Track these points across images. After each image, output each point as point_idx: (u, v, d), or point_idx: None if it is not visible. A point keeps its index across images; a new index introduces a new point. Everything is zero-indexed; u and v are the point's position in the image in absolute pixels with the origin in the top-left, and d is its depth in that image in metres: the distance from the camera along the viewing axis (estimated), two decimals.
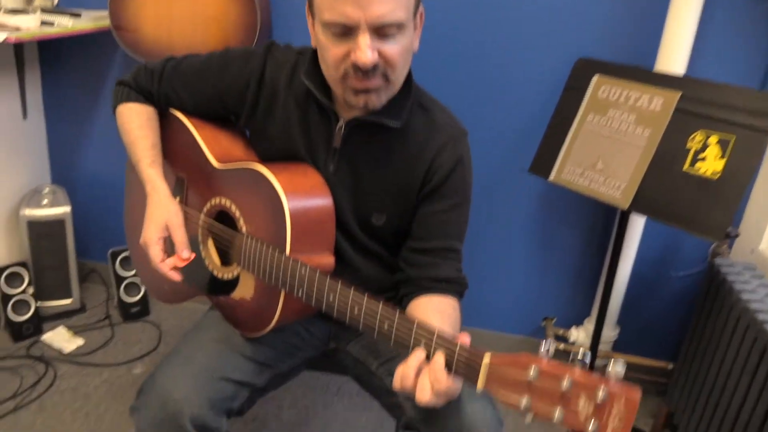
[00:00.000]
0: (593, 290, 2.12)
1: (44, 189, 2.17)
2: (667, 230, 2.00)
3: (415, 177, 1.13)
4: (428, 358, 0.87)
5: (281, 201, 1.04)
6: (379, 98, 1.03)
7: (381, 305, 0.92)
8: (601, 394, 0.73)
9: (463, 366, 0.84)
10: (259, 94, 1.17)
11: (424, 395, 0.84)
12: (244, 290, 1.14)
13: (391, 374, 1.17)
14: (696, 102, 1.49)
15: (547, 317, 2.20)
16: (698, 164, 1.47)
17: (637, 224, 1.93)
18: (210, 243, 1.21)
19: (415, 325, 0.88)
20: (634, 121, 1.59)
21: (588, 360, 0.79)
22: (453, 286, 1.15)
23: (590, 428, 0.74)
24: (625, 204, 1.55)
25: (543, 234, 2.11)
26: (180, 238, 1.13)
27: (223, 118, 1.26)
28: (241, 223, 1.12)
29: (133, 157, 1.22)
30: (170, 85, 1.24)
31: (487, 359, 0.82)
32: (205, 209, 1.20)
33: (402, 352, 0.91)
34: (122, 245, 2.24)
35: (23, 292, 2.08)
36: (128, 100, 1.25)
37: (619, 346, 2.14)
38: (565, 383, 0.76)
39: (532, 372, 0.78)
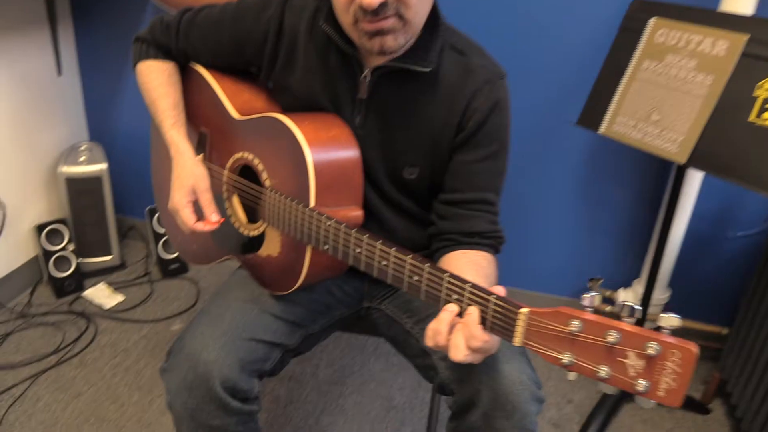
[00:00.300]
0: (644, 250, 2.01)
1: (81, 146, 2.17)
2: (727, 187, 1.86)
3: (449, 125, 1.06)
4: (461, 312, 0.81)
5: (303, 152, 0.98)
6: (395, 40, 0.95)
7: (410, 257, 0.86)
8: (652, 348, 0.65)
9: (499, 320, 0.78)
10: (278, 44, 1.10)
11: (459, 352, 0.78)
12: (271, 247, 1.09)
13: None
14: (765, 45, 1.35)
15: (594, 278, 2.10)
16: (766, 114, 1.34)
17: (694, 180, 1.80)
18: (235, 200, 1.17)
19: (445, 277, 0.82)
20: (695, 68, 1.45)
21: (638, 309, 0.71)
22: (488, 240, 1.08)
23: (640, 387, 0.67)
24: (682, 158, 1.43)
25: (590, 190, 2.00)
26: (207, 202, 1.09)
27: (244, 70, 1.20)
28: (265, 177, 1.07)
29: (156, 118, 1.18)
30: (187, 39, 1.18)
31: (524, 312, 0.75)
32: (228, 165, 1.15)
33: (435, 307, 0.85)
34: None
35: (64, 248, 2.10)
36: (147, 57, 1.21)
37: (669, 310, 2.02)
38: (612, 337, 0.69)
39: (574, 325, 0.71)
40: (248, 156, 1.10)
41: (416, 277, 0.85)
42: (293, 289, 1.07)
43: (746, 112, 1.35)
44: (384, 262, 0.89)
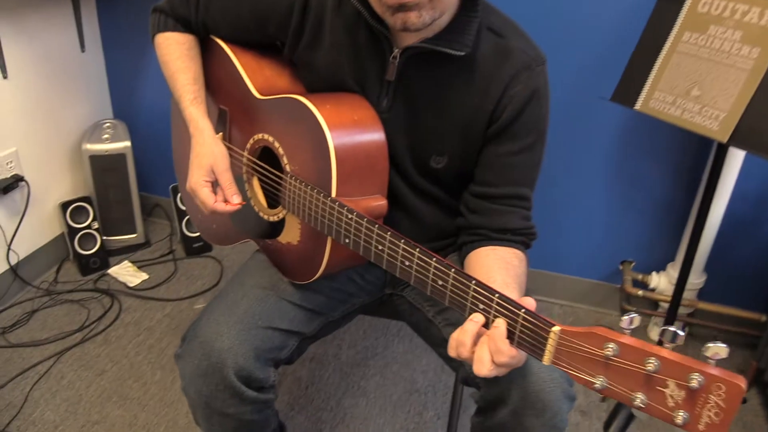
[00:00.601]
0: (679, 232, 1.93)
1: (105, 123, 2.16)
2: None
3: (482, 113, 0.99)
4: (487, 323, 0.77)
5: (325, 136, 0.93)
6: (420, 17, 0.88)
7: (434, 260, 0.81)
8: (695, 380, 0.61)
9: (527, 336, 0.73)
10: (303, 19, 1.05)
11: (483, 367, 0.74)
12: (291, 235, 1.06)
13: (450, 324, 1.09)
14: None
15: (626, 260, 2.04)
16: None
17: (735, 159, 1.71)
18: (255, 183, 1.13)
19: (472, 285, 0.77)
20: (740, 39, 1.36)
21: (682, 335, 0.66)
22: (520, 237, 1.03)
23: (678, 420, 0.62)
24: (723, 137, 1.35)
25: (624, 169, 1.92)
26: (227, 183, 1.05)
27: (267, 45, 1.15)
28: (285, 161, 1.02)
29: (175, 93, 1.14)
30: (207, 12, 1.13)
31: (556, 331, 0.70)
32: (248, 146, 1.11)
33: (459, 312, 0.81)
34: None
35: (88, 226, 2.10)
36: (166, 29, 1.16)
37: (704, 295, 1.95)
38: (652, 365, 0.64)
39: (610, 349, 0.66)
40: (268, 138, 1.06)
41: (441, 282, 0.81)
42: (313, 279, 1.03)
43: None
44: (407, 263, 0.85)
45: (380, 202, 1.00)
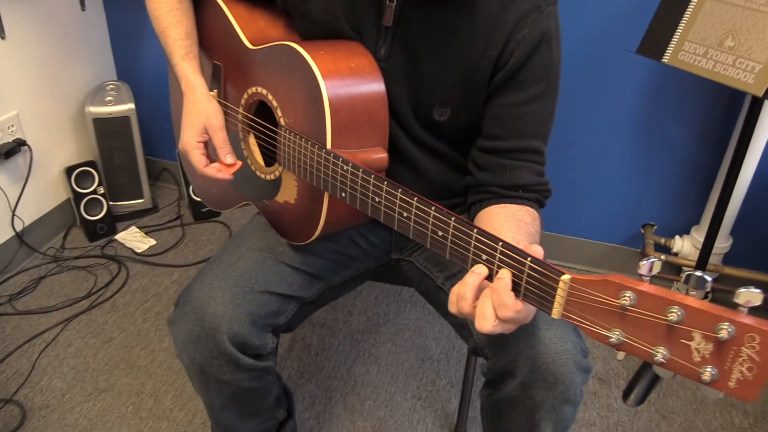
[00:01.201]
0: (705, 195, 1.83)
1: (108, 86, 2.10)
2: None
3: (487, 60, 0.91)
4: (491, 276, 0.70)
5: (319, 85, 0.86)
6: None
7: (434, 208, 0.74)
8: (725, 330, 0.53)
9: (534, 287, 0.66)
10: None
11: (486, 322, 0.67)
12: (287, 193, 0.99)
13: None
14: None
15: (647, 224, 1.95)
16: None
17: (766, 118, 1.60)
18: (252, 140, 1.07)
19: (474, 234, 0.70)
20: None
21: (709, 281, 0.58)
22: (532, 194, 0.95)
23: (706, 376, 0.56)
24: (760, 90, 1.25)
25: (647, 128, 1.82)
26: (221, 142, 0.98)
27: None
28: (279, 115, 0.96)
29: (166, 49, 1.07)
30: None
31: (566, 279, 0.63)
32: (242, 101, 1.04)
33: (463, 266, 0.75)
34: None
35: (94, 191, 2.06)
36: None
37: (730, 260, 1.86)
38: (674, 314, 0.57)
39: (627, 297, 0.59)
40: (262, 91, 0.99)
41: (440, 233, 0.74)
42: (311, 239, 0.97)
43: None
44: (405, 214, 0.78)
45: (380, 155, 0.93)
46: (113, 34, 2.20)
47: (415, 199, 0.76)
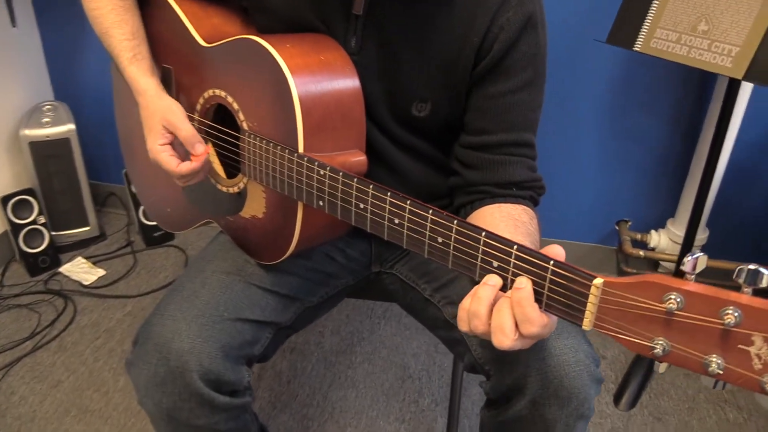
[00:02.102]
0: (679, 186, 1.80)
1: (45, 106, 1.94)
2: None
3: (469, 47, 0.83)
4: (505, 286, 0.61)
5: (287, 81, 0.76)
6: None
7: (431, 212, 0.65)
8: None
9: (560, 295, 0.57)
10: None
11: (506, 339, 0.58)
12: (254, 206, 0.88)
13: (452, 302, 0.93)
14: None
15: (621, 220, 1.90)
16: None
17: (737, 107, 1.58)
18: (210, 150, 0.95)
19: (482, 238, 0.61)
20: None
21: (766, 274, 0.50)
22: (526, 191, 0.88)
23: None
24: (739, 72, 1.21)
25: (617, 122, 1.77)
26: (185, 133, 0.86)
27: None
28: (241, 118, 0.85)
29: (111, 52, 0.95)
30: None
31: (598, 284, 0.55)
32: (198, 107, 0.93)
33: (467, 277, 0.65)
34: None
35: (34, 221, 1.89)
36: None
37: (707, 251, 1.81)
38: (730, 316, 0.49)
39: (673, 300, 0.51)
40: (220, 93, 0.88)
41: (441, 239, 0.65)
42: (284, 257, 0.86)
43: None
44: (396, 220, 0.68)
45: (358, 158, 0.83)
46: (48, 51, 2.04)
47: (408, 202, 0.66)
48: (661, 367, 0.56)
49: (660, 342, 0.53)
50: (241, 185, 0.89)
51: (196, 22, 0.92)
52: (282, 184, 0.80)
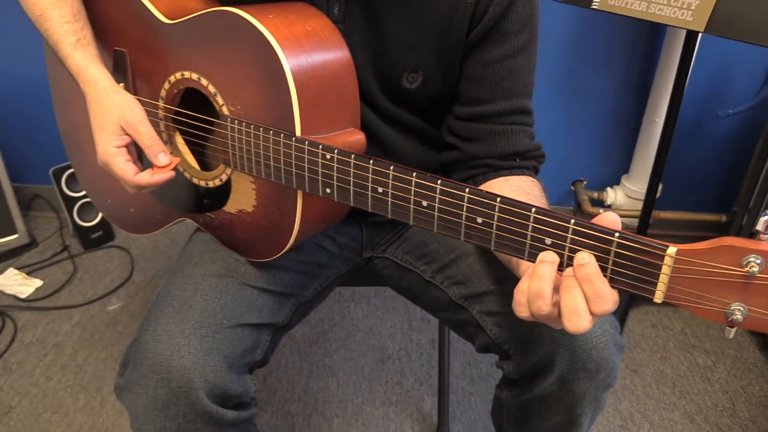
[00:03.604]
0: (631, 142, 1.83)
1: None
2: (714, 65, 1.69)
3: (462, 11, 0.77)
4: (561, 264, 0.56)
5: (277, 56, 0.67)
6: None
7: (467, 190, 0.59)
8: None
9: (628, 268, 0.53)
10: None
11: (582, 320, 0.54)
12: (242, 200, 0.80)
13: (457, 282, 0.88)
14: None
15: (577, 180, 1.92)
16: None
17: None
18: (179, 140, 0.85)
19: (532, 214, 0.56)
20: None
21: None
22: (529, 161, 0.84)
23: None
24: (701, 25, 1.20)
25: (567, 83, 1.77)
26: (148, 138, 0.76)
27: None
28: (220, 102, 0.76)
29: (49, 39, 0.82)
30: None
31: (672, 253, 0.51)
32: (162, 93, 0.82)
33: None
34: (66, 160, 1.84)
35: None
36: None
37: (661, 204, 1.88)
38: None
39: (754, 263, 0.48)
40: (191, 75, 0.78)
41: (481, 219, 0.59)
42: (281, 253, 0.79)
43: None
44: (425, 203, 0.62)
45: (357, 137, 0.76)
46: None
47: (439, 182, 0.60)
48: (732, 333, 0.53)
49: (737, 307, 0.50)
50: (224, 177, 0.80)
51: None
52: (278, 172, 0.72)
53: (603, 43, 1.69)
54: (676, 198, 1.88)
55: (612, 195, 1.87)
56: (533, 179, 0.82)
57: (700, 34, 1.25)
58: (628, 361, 1.56)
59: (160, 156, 0.76)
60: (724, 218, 1.83)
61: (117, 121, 0.76)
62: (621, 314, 1.63)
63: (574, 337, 0.75)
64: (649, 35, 1.68)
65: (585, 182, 1.91)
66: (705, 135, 1.81)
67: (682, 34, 1.48)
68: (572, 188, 1.92)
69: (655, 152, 1.50)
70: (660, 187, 1.82)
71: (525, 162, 0.83)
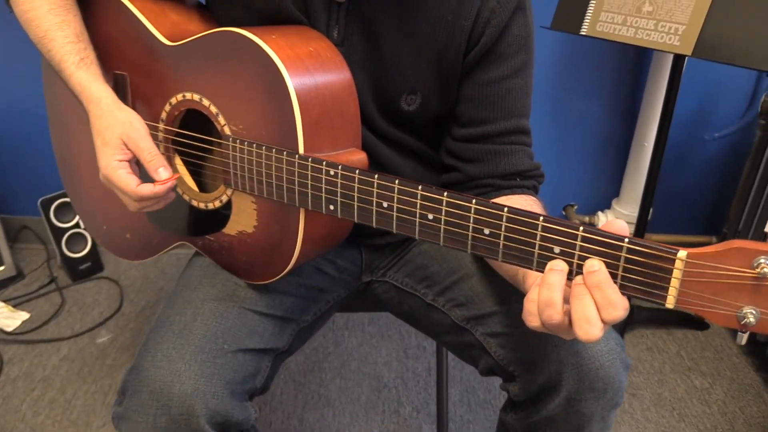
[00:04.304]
0: (621, 166, 1.85)
1: None
2: (700, 89, 1.72)
3: (459, 33, 0.78)
4: (571, 272, 0.56)
5: (282, 75, 0.68)
6: None
7: (474, 201, 0.59)
8: None
9: (639, 274, 0.53)
10: None
11: (593, 328, 0.53)
12: (242, 221, 0.79)
13: (459, 304, 0.87)
14: None
15: (568, 205, 1.93)
16: None
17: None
18: (179, 163, 0.84)
19: (540, 223, 0.56)
20: None
21: None
22: (530, 180, 0.85)
23: None
24: (687, 49, 1.23)
25: (557, 108, 1.80)
26: (149, 153, 0.76)
27: None
28: (222, 123, 0.75)
29: (52, 60, 0.81)
30: None
31: (682, 257, 0.51)
32: (163, 115, 0.82)
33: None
34: (54, 190, 1.81)
35: None
36: None
37: (652, 227, 1.89)
38: None
39: (764, 264, 0.48)
40: (193, 96, 0.78)
41: (488, 230, 0.59)
42: (282, 274, 0.78)
43: None
44: (431, 216, 0.62)
45: (359, 156, 0.76)
46: None
47: (445, 194, 0.60)
48: (744, 339, 0.53)
49: (750, 311, 0.50)
50: (224, 198, 0.79)
51: (154, 21, 0.81)
52: (281, 191, 0.71)
53: (591, 68, 1.72)
54: (666, 221, 1.90)
55: (603, 219, 1.88)
56: (535, 198, 0.82)
57: (687, 58, 1.27)
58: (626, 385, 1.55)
59: (161, 171, 0.75)
60: (714, 240, 1.85)
61: (119, 136, 0.76)
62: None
63: (580, 356, 0.74)
64: (636, 60, 1.71)
65: (576, 206, 1.93)
66: (692, 158, 1.84)
67: (668, 59, 1.52)
68: (563, 213, 1.93)
69: (646, 176, 1.52)
70: (651, 209, 1.85)
71: (525, 182, 0.84)
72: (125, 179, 0.75)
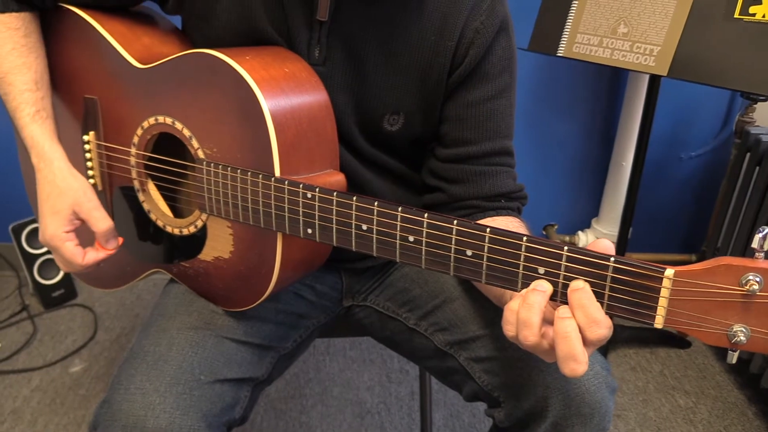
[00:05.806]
0: (599, 186, 1.86)
1: None
2: (675, 108, 1.75)
3: (443, 53, 0.78)
4: (555, 293, 0.55)
5: (255, 97, 0.66)
6: None
7: (456, 222, 0.58)
8: None
9: (625, 293, 0.53)
10: None
11: (575, 355, 0.52)
12: (218, 246, 0.77)
13: (442, 328, 0.85)
14: None
15: (548, 225, 1.93)
16: (752, 8, 1.18)
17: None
18: (152, 188, 0.82)
19: (524, 243, 0.55)
20: None
21: None
22: (514, 202, 0.84)
23: None
24: (663, 70, 1.24)
25: (535, 130, 1.80)
26: (102, 226, 0.79)
27: (137, 11, 0.86)
28: (195, 146, 0.73)
29: (8, 104, 0.80)
30: None
31: (670, 275, 0.51)
32: (135, 139, 0.80)
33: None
34: (26, 216, 1.77)
35: None
36: None
37: (631, 246, 1.89)
38: None
39: (752, 281, 0.48)
40: (165, 120, 0.76)
41: (470, 251, 0.58)
42: (260, 300, 0.75)
43: (731, 8, 1.18)
44: (412, 238, 0.60)
45: (337, 177, 0.75)
46: None
47: (426, 215, 0.59)
48: (734, 358, 0.52)
49: (739, 328, 0.49)
50: (199, 223, 0.77)
51: (125, 44, 0.79)
52: (257, 215, 0.69)
53: (568, 89, 1.73)
54: (644, 239, 1.90)
55: (584, 238, 1.88)
56: (519, 220, 0.81)
57: (662, 78, 1.29)
58: None
59: (110, 243, 0.79)
60: (694, 258, 1.86)
61: (71, 205, 0.77)
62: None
63: (566, 380, 0.73)
64: (612, 80, 1.73)
65: (556, 226, 1.93)
66: (669, 177, 1.85)
67: (644, 79, 1.54)
68: (544, 233, 1.93)
69: (625, 195, 1.52)
70: (631, 229, 1.86)
71: (510, 203, 0.83)
72: (73, 251, 0.78)
